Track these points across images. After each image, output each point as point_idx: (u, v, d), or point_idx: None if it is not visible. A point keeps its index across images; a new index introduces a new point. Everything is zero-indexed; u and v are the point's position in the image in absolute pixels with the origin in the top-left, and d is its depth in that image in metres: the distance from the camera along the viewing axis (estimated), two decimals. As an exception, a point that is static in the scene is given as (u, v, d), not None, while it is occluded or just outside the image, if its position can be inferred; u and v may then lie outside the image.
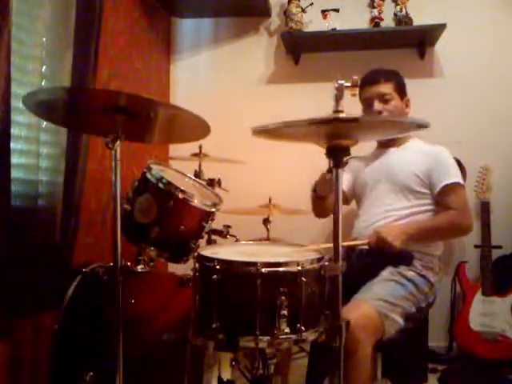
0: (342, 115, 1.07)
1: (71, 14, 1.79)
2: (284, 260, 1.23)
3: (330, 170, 1.13)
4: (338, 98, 1.10)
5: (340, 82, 1.10)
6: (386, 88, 1.83)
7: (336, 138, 1.12)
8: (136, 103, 1.17)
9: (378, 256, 1.66)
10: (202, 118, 1.18)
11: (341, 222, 1.15)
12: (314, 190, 1.91)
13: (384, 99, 1.82)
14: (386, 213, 1.78)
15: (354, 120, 1.07)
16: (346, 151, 1.13)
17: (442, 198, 1.74)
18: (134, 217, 1.46)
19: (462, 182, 1.75)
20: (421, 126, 1.12)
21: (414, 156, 1.82)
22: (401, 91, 1.86)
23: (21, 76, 1.62)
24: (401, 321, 1.54)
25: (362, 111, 1.89)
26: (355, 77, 1.14)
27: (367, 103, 1.85)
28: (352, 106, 1.21)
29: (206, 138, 1.36)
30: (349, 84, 1.12)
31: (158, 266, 1.72)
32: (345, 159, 1.14)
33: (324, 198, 1.89)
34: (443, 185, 1.72)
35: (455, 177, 1.74)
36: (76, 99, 1.23)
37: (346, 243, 1.39)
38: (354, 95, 1.15)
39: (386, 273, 1.65)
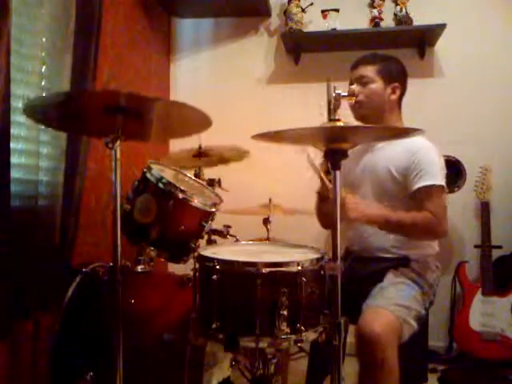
0: (339, 123, 1.11)
1: (71, 14, 1.79)
2: (284, 260, 1.23)
3: (327, 173, 1.14)
4: (336, 107, 1.13)
5: (337, 91, 1.13)
6: (366, 70, 1.72)
7: (334, 141, 1.14)
8: (136, 102, 1.17)
9: (378, 260, 1.66)
10: (202, 111, 1.16)
11: (339, 222, 1.15)
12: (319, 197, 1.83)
13: (362, 82, 1.71)
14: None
15: (350, 128, 1.12)
16: (343, 154, 1.13)
17: (417, 200, 1.61)
18: (133, 217, 1.47)
19: (438, 182, 1.60)
20: (416, 131, 1.15)
21: (395, 153, 1.68)
22: (387, 75, 1.74)
23: (21, 76, 1.62)
24: (415, 324, 1.52)
25: None
26: (352, 86, 1.16)
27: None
28: (348, 109, 1.24)
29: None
30: (345, 94, 1.15)
31: (158, 265, 1.72)
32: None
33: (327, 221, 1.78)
34: (417, 187, 1.60)
35: (431, 178, 1.59)
36: (75, 102, 1.23)
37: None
38: (350, 105, 1.18)
39: (391, 275, 1.63)
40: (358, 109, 1.72)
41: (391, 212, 1.61)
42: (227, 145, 2.10)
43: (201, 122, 1.24)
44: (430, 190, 1.59)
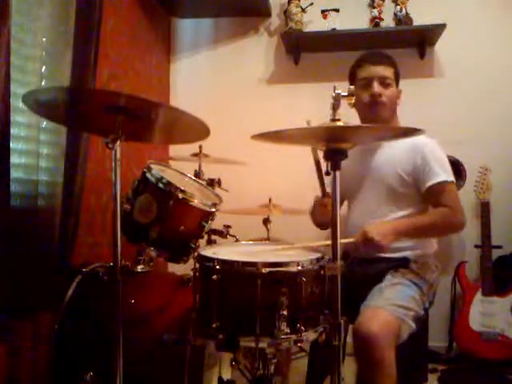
0: (339, 123, 1.11)
1: (71, 13, 1.79)
2: (284, 260, 1.23)
3: (327, 173, 1.14)
4: (336, 107, 1.13)
5: (337, 91, 1.13)
6: (389, 72, 1.72)
7: (334, 141, 1.14)
8: (136, 104, 1.17)
9: (377, 262, 1.65)
10: (202, 121, 1.18)
11: (339, 222, 1.15)
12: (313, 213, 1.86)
13: (385, 83, 1.71)
14: (375, 219, 1.70)
15: (350, 128, 1.13)
16: (343, 154, 1.14)
17: (431, 197, 1.66)
18: (133, 217, 1.46)
19: (449, 178, 1.65)
20: (416, 131, 1.17)
21: (399, 154, 1.70)
22: (397, 80, 1.77)
23: (21, 76, 1.62)
24: (413, 325, 1.52)
25: (356, 90, 1.78)
26: (351, 87, 1.17)
27: (365, 82, 1.72)
28: (348, 109, 1.24)
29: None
30: (345, 94, 1.16)
31: (157, 265, 1.72)
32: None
33: (323, 225, 1.83)
34: (429, 185, 1.64)
35: (442, 175, 1.64)
36: (76, 99, 1.23)
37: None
38: (350, 104, 1.18)
39: (390, 276, 1.63)
40: (381, 111, 1.71)
41: (410, 219, 1.66)
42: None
43: (200, 130, 1.25)
44: (441, 186, 1.64)
